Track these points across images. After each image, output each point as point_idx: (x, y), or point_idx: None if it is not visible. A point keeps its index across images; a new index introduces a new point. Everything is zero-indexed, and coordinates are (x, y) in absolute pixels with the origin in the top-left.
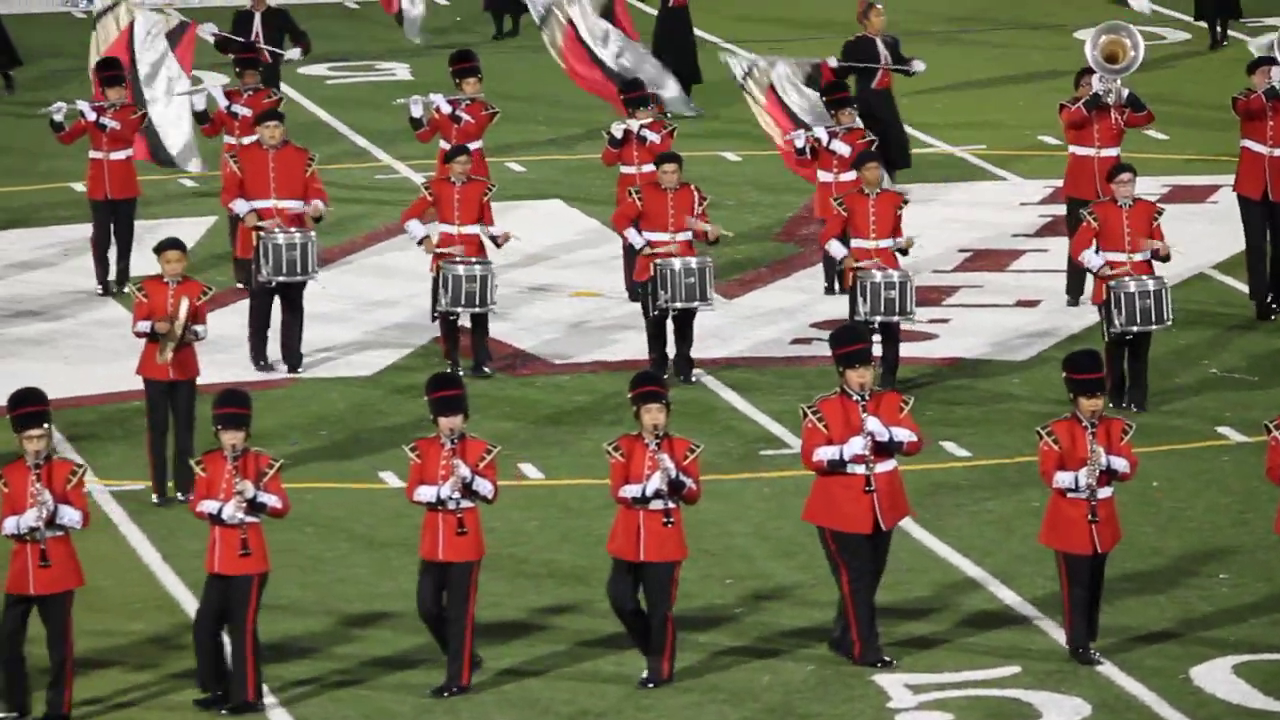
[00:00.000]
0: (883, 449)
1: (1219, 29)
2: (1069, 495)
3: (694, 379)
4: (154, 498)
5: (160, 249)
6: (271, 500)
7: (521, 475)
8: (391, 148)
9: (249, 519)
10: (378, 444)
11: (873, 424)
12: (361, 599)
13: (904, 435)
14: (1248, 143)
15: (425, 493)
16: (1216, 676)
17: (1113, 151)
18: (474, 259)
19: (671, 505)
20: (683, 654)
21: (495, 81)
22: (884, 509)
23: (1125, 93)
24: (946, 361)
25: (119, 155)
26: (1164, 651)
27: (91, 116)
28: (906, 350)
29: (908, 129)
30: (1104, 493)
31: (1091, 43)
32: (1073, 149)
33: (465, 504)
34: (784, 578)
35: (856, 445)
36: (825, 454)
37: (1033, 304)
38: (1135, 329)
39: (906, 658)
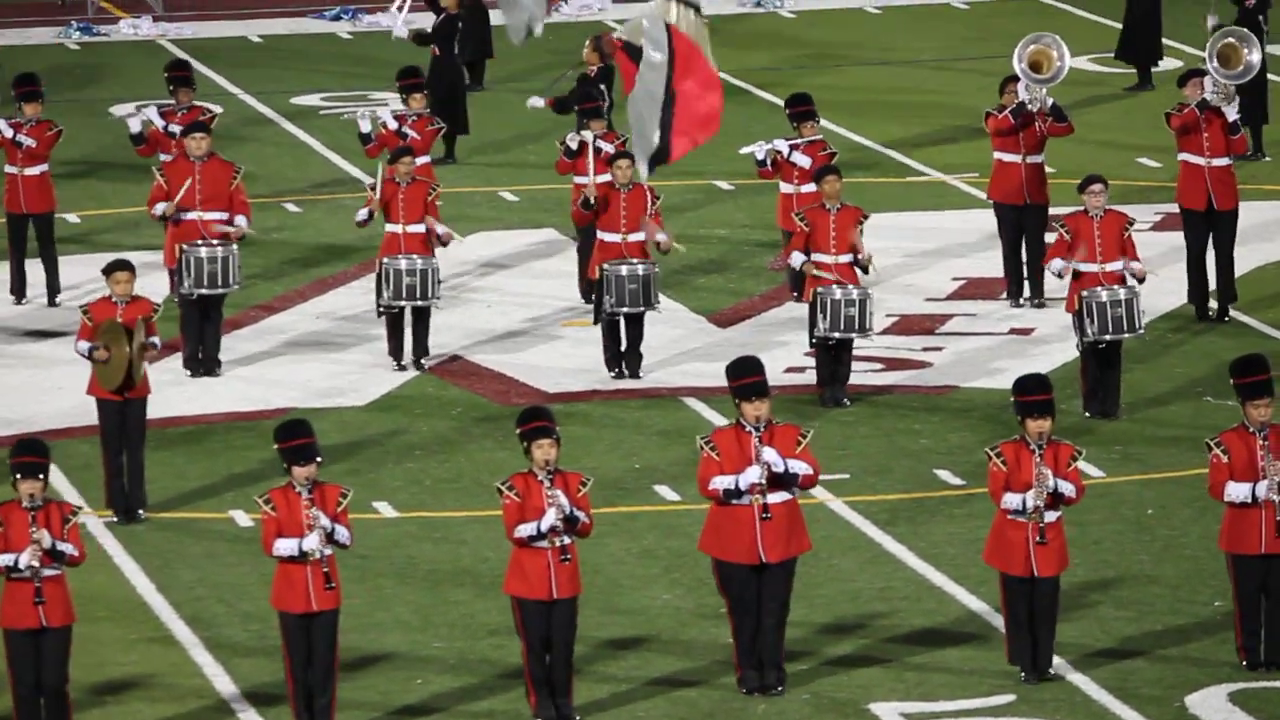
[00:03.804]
0: (778, 480)
1: (1147, 70)
2: (1012, 517)
3: (642, 375)
4: (115, 518)
5: (109, 270)
6: (69, 549)
7: None
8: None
9: (48, 570)
10: (371, 474)
11: (769, 454)
12: (356, 630)
13: (800, 468)
14: (1185, 156)
15: (285, 546)
16: (1212, 704)
17: (1037, 158)
18: (416, 255)
19: (567, 541)
20: (678, 680)
21: (487, 111)
22: (773, 542)
23: (1049, 102)
24: (940, 389)
25: (33, 171)
26: (1160, 679)
27: (9, 134)
28: (901, 378)
29: (899, 156)
30: (1050, 516)
31: (1018, 53)
32: (998, 155)
33: (327, 551)
34: None
35: (753, 474)
36: (721, 483)
37: (1026, 332)
38: (1107, 338)
39: (901, 686)
